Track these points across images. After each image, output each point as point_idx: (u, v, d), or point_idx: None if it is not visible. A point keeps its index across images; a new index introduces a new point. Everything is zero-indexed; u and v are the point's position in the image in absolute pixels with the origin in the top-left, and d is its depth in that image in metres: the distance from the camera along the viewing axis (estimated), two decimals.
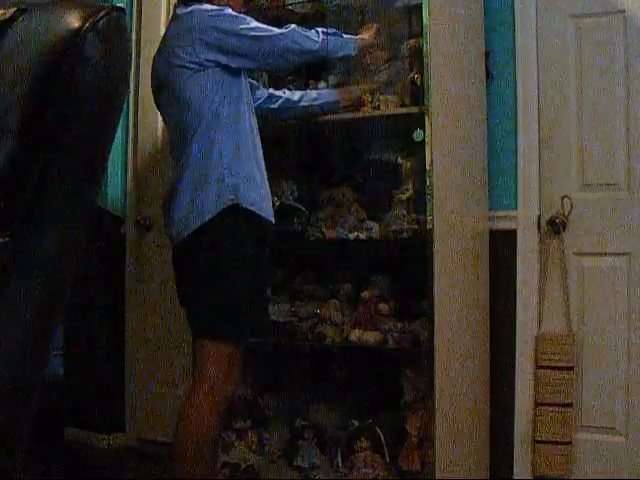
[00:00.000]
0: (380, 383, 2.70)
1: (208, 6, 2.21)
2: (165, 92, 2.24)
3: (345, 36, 2.40)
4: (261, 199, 2.18)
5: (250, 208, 2.13)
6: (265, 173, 2.24)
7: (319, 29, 2.34)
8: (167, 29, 2.31)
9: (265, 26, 2.26)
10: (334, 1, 2.71)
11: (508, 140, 2.79)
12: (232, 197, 2.11)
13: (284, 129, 2.71)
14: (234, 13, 2.22)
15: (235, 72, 2.21)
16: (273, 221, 2.23)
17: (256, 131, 2.26)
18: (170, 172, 3.32)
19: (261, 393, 2.86)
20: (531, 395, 2.69)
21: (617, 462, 2.60)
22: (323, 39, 2.31)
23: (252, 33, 2.21)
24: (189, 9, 2.20)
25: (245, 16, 2.25)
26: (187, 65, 2.15)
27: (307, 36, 2.30)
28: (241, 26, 2.20)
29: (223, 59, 2.17)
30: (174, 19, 2.26)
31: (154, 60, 2.29)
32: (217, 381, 2.09)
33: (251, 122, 2.23)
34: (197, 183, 2.13)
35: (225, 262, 2.13)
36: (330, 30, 2.36)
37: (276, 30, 2.26)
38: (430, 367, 2.32)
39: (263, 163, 2.24)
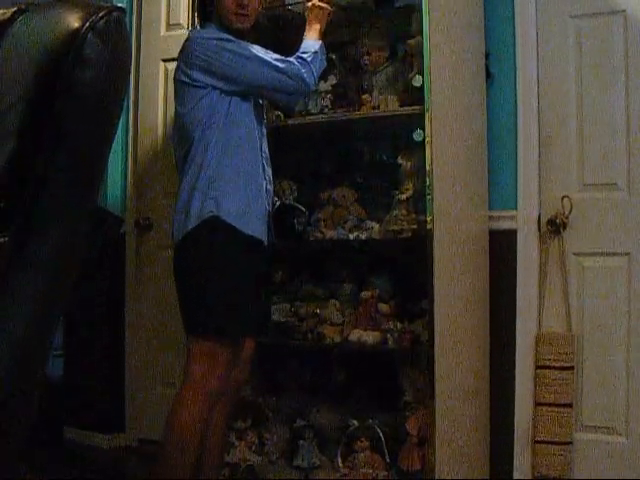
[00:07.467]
0: (380, 383, 2.70)
1: (208, 31, 2.25)
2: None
3: (310, 51, 2.28)
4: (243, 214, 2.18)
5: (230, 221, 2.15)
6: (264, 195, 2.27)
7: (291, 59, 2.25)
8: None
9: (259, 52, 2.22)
10: (334, 1, 2.70)
11: (508, 140, 2.79)
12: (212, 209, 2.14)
13: (284, 129, 2.71)
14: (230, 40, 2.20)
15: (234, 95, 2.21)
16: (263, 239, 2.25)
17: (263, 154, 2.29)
18: (171, 172, 3.34)
19: (261, 393, 2.86)
20: (531, 395, 2.69)
21: (617, 462, 2.60)
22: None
23: (241, 56, 2.18)
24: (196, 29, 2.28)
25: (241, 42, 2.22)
26: (184, 80, 2.20)
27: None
28: (230, 49, 2.18)
29: (213, 82, 2.17)
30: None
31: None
32: (200, 378, 2.14)
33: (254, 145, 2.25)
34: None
35: (206, 267, 2.18)
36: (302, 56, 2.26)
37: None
38: (430, 367, 2.32)
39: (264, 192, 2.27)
